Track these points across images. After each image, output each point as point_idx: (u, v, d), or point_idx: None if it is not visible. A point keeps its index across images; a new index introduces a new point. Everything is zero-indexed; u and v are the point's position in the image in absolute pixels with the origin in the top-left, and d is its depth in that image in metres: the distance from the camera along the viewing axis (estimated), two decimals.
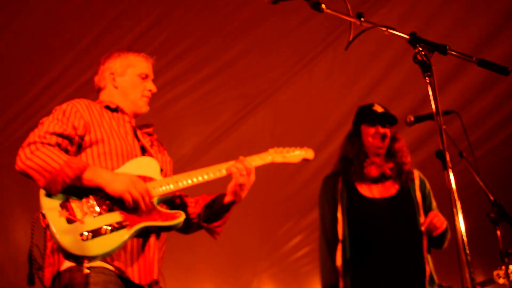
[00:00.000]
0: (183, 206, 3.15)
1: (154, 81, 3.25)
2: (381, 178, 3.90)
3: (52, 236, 2.58)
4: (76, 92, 5.44)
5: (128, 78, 3.15)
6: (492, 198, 3.54)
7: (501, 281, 4.69)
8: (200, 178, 2.95)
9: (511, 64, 2.49)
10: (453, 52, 2.34)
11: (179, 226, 2.83)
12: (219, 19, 5.62)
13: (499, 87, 6.85)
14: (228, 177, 3.05)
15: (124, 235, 2.64)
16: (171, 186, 2.87)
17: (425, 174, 4.12)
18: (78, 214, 2.62)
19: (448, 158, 2.18)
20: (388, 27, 2.48)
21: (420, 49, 2.34)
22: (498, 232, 3.42)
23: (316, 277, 9.42)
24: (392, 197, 3.83)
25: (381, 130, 3.91)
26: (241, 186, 2.97)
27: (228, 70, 6.04)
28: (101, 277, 2.62)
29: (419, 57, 2.35)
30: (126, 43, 5.36)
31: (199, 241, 7.77)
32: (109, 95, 3.16)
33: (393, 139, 3.99)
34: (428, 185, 3.99)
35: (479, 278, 5.34)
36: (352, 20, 2.56)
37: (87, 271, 2.55)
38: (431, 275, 3.70)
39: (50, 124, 2.84)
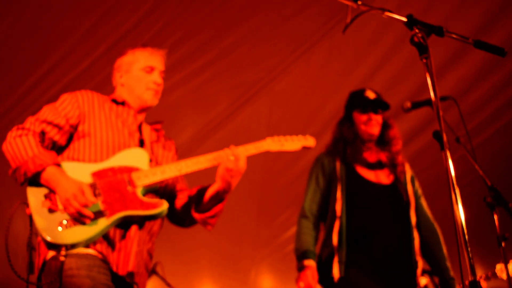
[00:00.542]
0: (171, 198, 3.16)
1: None
2: (377, 165, 3.90)
3: (34, 225, 2.66)
4: (73, 81, 5.43)
5: (132, 74, 3.19)
6: (489, 183, 3.53)
7: (504, 276, 4.70)
8: (188, 169, 2.95)
9: (509, 49, 2.47)
10: (449, 34, 2.33)
11: (162, 215, 2.87)
12: (214, 7, 5.59)
13: (495, 76, 6.85)
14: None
15: (102, 223, 2.69)
16: (156, 176, 2.89)
17: (423, 163, 4.12)
18: (60, 205, 2.70)
19: (445, 138, 2.17)
20: (384, 10, 2.47)
21: (417, 31, 2.33)
22: (495, 217, 3.41)
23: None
24: (388, 186, 3.85)
25: (374, 117, 3.91)
26: (228, 171, 2.93)
27: (224, 59, 6.03)
28: (84, 261, 2.67)
29: (415, 39, 2.34)
30: (122, 32, 5.35)
31: (197, 230, 7.79)
32: (119, 93, 3.21)
33: (386, 125, 4.00)
34: (417, 182, 4.06)
35: (477, 266, 5.34)
36: (349, 3, 2.55)
37: (62, 258, 2.60)
38: (422, 271, 3.74)
39: (46, 111, 2.97)
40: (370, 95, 3.96)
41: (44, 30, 5.25)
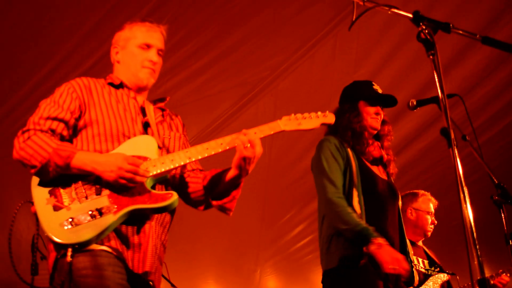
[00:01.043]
0: (183, 185, 3.03)
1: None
2: (378, 161, 3.88)
3: (40, 224, 2.57)
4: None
5: (128, 50, 3.03)
6: (496, 180, 3.51)
7: None
8: (199, 156, 2.80)
9: None
10: (456, 30, 2.30)
11: (172, 207, 2.71)
12: (218, 5, 5.57)
13: (501, 73, 6.83)
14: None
15: (109, 219, 2.56)
16: (165, 165, 2.75)
17: (428, 161, 4.10)
18: (66, 201, 2.60)
19: (452, 135, 2.15)
20: (391, 6, 2.44)
21: (424, 27, 2.30)
22: (503, 215, 3.39)
23: (319, 266, 9.47)
24: (386, 181, 3.83)
25: (381, 111, 3.89)
26: (245, 159, 2.78)
27: (228, 58, 6.01)
28: (98, 260, 2.56)
29: (422, 36, 2.30)
30: None
31: (201, 231, 7.79)
32: (115, 71, 3.08)
33: (383, 121, 3.97)
34: None
35: (485, 265, 5.33)
36: (355, 0, 2.52)
37: (69, 259, 2.49)
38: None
39: (46, 107, 2.82)
40: (379, 89, 3.94)
41: (48, 29, 5.24)
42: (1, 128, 5.77)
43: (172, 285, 5.35)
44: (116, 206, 2.60)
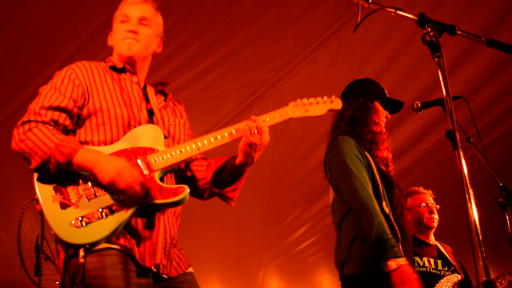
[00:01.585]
0: (188, 175, 2.94)
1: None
2: (386, 164, 3.86)
3: (47, 224, 2.44)
4: None
5: (114, 30, 2.92)
6: (500, 183, 3.51)
7: None
8: (208, 147, 2.70)
9: None
10: (461, 33, 2.31)
11: (183, 202, 2.60)
12: (222, 7, 5.58)
13: (504, 75, 6.83)
14: None
15: (121, 217, 2.48)
16: (175, 158, 2.65)
17: (431, 162, 4.10)
18: (73, 198, 2.48)
19: (458, 138, 2.15)
20: (396, 8, 2.44)
21: (429, 29, 2.30)
22: (507, 217, 3.39)
23: (322, 267, 9.48)
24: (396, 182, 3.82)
25: (389, 116, 3.89)
26: (251, 145, 2.68)
27: (232, 59, 6.02)
28: (107, 259, 2.47)
29: (427, 38, 2.31)
30: None
31: (205, 232, 7.79)
32: (114, 55, 2.94)
33: None
34: None
35: (489, 267, 5.32)
36: (360, 2, 2.52)
37: (82, 260, 2.41)
38: None
39: (46, 95, 2.64)
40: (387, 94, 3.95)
41: (52, 30, 5.25)
42: (4, 130, 5.78)
43: None
44: (124, 203, 2.50)
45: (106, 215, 2.47)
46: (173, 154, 2.66)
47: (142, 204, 2.54)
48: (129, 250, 2.54)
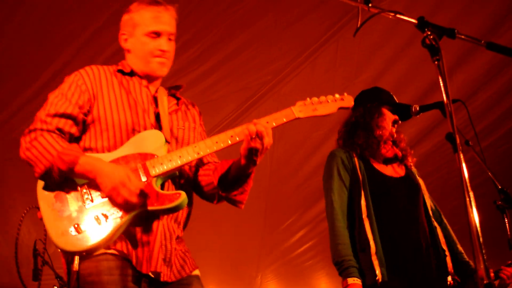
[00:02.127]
0: (196, 180, 2.93)
1: None
2: (392, 160, 3.89)
3: (45, 230, 2.49)
4: None
5: (136, 39, 2.86)
6: (499, 185, 3.52)
7: None
8: (208, 151, 2.68)
9: None
10: (461, 36, 2.31)
11: (181, 208, 2.60)
12: (220, 10, 5.58)
13: (502, 79, 6.84)
14: None
15: (116, 224, 2.48)
16: (173, 163, 2.63)
17: (430, 165, 4.11)
18: (72, 205, 2.51)
19: (458, 140, 2.15)
20: (396, 12, 2.45)
21: (429, 33, 2.30)
22: (506, 219, 3.40)
23: (319, 272, 9.46)
24: (403, 178, 3.83)
25: (399, 122, 3.94)
26: (252, 150, 2.63)
27: (230, 62, 6.01)
28: (103, 264, 2.49)
29: (427, 41, 2.31)
30: None
31: (203, 236, 7.77)
32: (127, 59, 2.94)
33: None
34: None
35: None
36: (360, 5, 2.52)
37: (76, 268, 2.44)
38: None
39: (53, 101, 2.69)
40: (395, 99, 3.99)
41: (51, 33, 5.23)
42: (2, 132, 5.76)
43: None
44: (122, 210, 2.51)
45: (102, 222, 2.48)
46: (172, 159, 2.64)
47: (138, 211, 2.54)
48: (126, 255, 2.54)
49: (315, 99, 2.82)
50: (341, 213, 3.66)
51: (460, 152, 2.15)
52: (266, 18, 5.74)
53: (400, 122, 3.94)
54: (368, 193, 3.65)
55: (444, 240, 3.76)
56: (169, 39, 2.89)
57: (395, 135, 3.90)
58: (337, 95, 2.87)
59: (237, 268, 8.73)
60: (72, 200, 2.53)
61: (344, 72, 6.49)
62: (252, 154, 2.66)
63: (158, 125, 2.80)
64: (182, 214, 2.79)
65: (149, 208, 2.55)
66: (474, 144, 3.66)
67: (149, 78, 2.89)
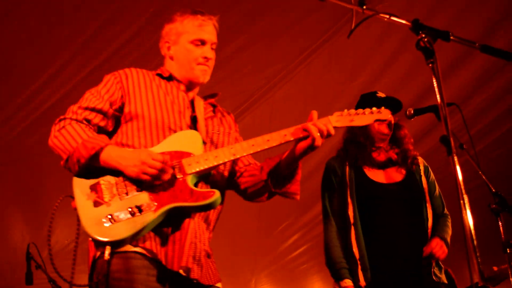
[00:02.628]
0: (237, 181, 2.99)
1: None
2: (388, 164, 3.90)
3: (79, 220, 2.53)
4: (77, 86, 5.40)
5: (181, 46, 2.97)
6: (493, 189, 3.53)
7: None
8: (244, 153, 2.73)
9: None
10: (455, 39, 2.32)
11: (214, 206, 2.64)
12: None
13: (496, 82, 6.86)
14: None
15: (148, 217, 2.52)
16: (208, 162, 2.67)
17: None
18: (106, 196, 2.56)
19: (452, 143, 2.15)
20: (390, 14, 2.45)
21: (423, 35, 2.31)
22: (500, 223, 3.41)
23: (314, 276, 9.44)
24: (399, 183, 3.84)
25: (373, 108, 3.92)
26: (312, 148, 2.72)
27: (224, 67, 6.01)
28: (131, 262, 2.53)
29: (422, 44, 2.31)
30: (126, 38, 5.32)
31: None
32: (167, 65, 3.03)
33: (397, 126, 4.01)
34: (431, 172, 4.02)
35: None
36: (354, 8, 2.53)
37: (107, 257, 2.46)
38: (437, 261, 3.72)
39: (88, 97, 2.80)
40: (382, 95, 3.98)
41: (48, 36, 5.22)
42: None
43: None
44: (156, 204, 2.55)
45: (134, 213, 2.52)
46: (208, 159, 2.69)
47: (172, 206, 2.57)
48: (154, 255, 2.57)
49: (352, 110, 2.88)
50: (334, 218, 3.82)
51: (454, 154, 2.15)
52: (260, 23, 5.74)
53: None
54: (355, 201, 3.73)
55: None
56: (212, 48, 2.99)
57: (384, 131, 3.89)
58: (374, 108, 2.93)
59: (231, 272, 8.71)
60: (107, 192, 2.58)
61: (339, 76, 6.50)
62: (308, 152, 2.74)
63: (194, 128, 2.86)
64: (213, 214, 2.83)
65: (183, 204, 2.58)
66: (468, 147, 3.67)
67: (190, 85, 2.98)
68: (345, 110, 2.88)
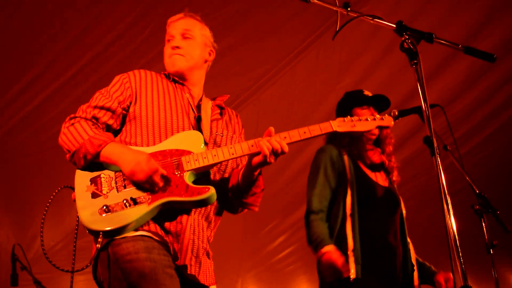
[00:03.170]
0: (222, 183, 2.99)
1: None
2: (378, 166, 3.89)
3: (76, 212, 2.61)
4: (60, 88, 5.38)
5: (164, 51, 3.12)
6: (477, 190, 3.55)
7: None
8: (242, 153, 2.75)
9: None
10: (439, 40, 2.34)
11: (210, 202, 2.68)
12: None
13: (481, 85, 6.91)
14: None
15: (142, 210, 2.58)
16: (207, 160, 2.72)
17: (409, 172, 4.12)
18: (105, 189, 2.65)
19: (435, 144, 2.17)
20: (374, 16, 2.47)
21: (407, 37, 2.33)
22: (483, 224, 3.43)
23: (300, 277, 9.45)
24: (387, 188, 3.84)
25: (375, 114, 3.90)
26: (265, 163, 2.73)
27: (211, 68, 6.00)
28: (141, 244, 2.57)
29: (405, 45, 2.33)
30: (111, 39, 5.31)
31: None
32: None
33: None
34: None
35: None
36: (339, 10, 2.54)
37: (98, 246, 2.52)
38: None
39: (97, 96, 2.89)
40: (369, 94, 3.98)
41: (32, 37, 5.21)
42: None
43: None
44: (151, 197, 2.62)
45: (129, 205, 2.59)
46: (206, 157, 2.75)
47: (166, 200, 2.63)
48: (161, 238, 2.64)
49: (355, 117, 2.90)
50: (320, 208, 3.69)
51: (437, 155, 2.17)
52: (246, 25, 5.75)
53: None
54: (354, 193, 3.67)
55: (414, 255, 3.82)
56: (185, 38, 3.09)
57: (375, 134, 3.89)
58: (377, 115, 2.95)
59: (217, 272, 8.67)
60: (105, 184, 2.67)
61: (325, 78, 6.52)
62: (263, 165, 2.77)
63: (198, 128, 2.92)
64: (211, 214, 2.87)
65: (177, 198, 2.63)
66: (453, 149, 3.69)
67: (180, 78, 3.05)
68: (348, 117, 2.89)
